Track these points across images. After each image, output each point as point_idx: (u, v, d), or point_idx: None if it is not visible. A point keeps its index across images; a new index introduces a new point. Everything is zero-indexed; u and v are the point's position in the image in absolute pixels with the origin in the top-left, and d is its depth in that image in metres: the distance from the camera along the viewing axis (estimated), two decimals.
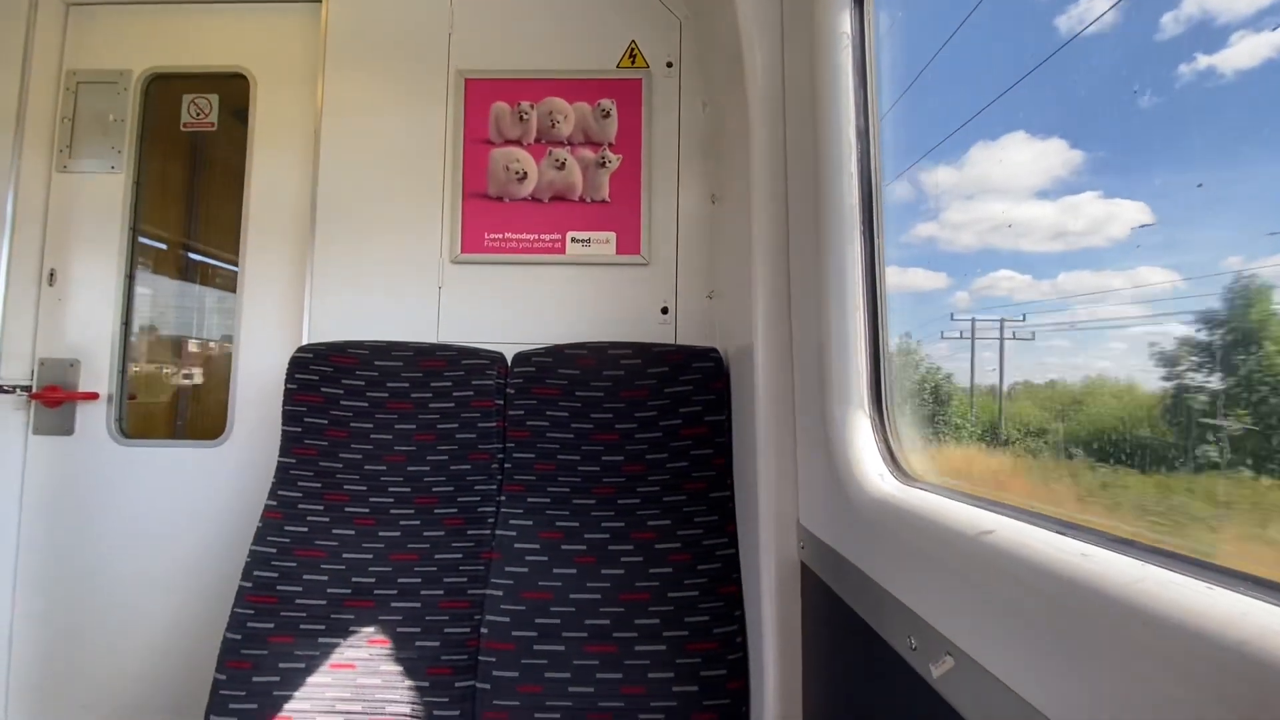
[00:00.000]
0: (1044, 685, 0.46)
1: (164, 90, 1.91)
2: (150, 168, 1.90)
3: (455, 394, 1.52)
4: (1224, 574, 0.39)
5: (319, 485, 1.48)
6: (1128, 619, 0.40)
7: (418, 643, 1.35)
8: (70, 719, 1.73)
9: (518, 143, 1.79)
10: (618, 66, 1.80)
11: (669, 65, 1.80)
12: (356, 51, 1.82)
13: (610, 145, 1.78)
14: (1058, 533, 0.52)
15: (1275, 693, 0.31)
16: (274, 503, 1.46)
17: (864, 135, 1.02)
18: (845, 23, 1.03)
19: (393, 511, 1.47)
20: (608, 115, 1.78)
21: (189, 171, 2.04)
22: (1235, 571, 0.39)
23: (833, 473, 0.95)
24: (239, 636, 1.34)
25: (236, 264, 1.84)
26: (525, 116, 1.78)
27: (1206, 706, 0.34)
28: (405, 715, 1.29)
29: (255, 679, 1.31)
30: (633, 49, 1.80)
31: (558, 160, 1.77)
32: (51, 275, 1.82)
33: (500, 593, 1.36)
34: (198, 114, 1.91)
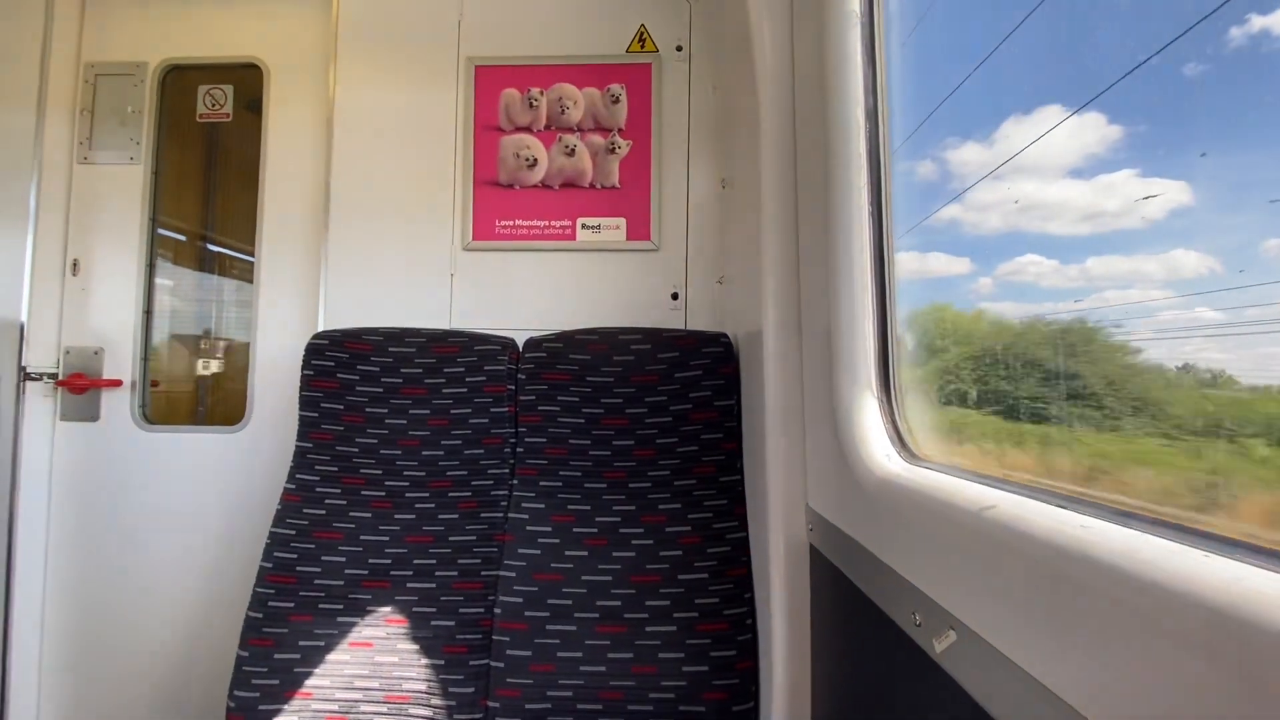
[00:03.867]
0: (1042, 655, 0.46)
1: (180, 82, 1.94)
2: (168, 159, 1.93)
3: (468, 379, 1.54)
4: (1220, 542, 0.39)
5: (336, 469, 1.51)
6: (1126, 588, 0.40)
7: (433, 622, 1.38)
8: (101, 696, 1.80)
9: (528, 129, 1.79)
10: (627, 51, 1.79)
11: (679, 49, 1.79)
12: (368, 40, 1.83)
13: (620, 131, 1.77)
14: (1058, 506, 0.52)
15: (1269, 655, 0.31)
16: (292, 486, 1.49)
17: (873, 115, 1.01)
18: (855, 1, 1.02)
19: (408, 495, 1.49)
20: (617, 100, 1.77)
21: (206, 162, 2.07)
22: (1231, 539, 0.39)
23: (841, 455, 0.95)
24: (260, 615, 1.38)
25: (253, 253, 1.87)
26: (535, 103, 1.79)
27: (1204, 671, 0.34)
28: (421, 692, 1.32)
29: (276, 656, 1.35)
30: (642, 33, 1.79)
31: (567, 147, 1.78)
32: (75, 265, 1.86)
33: (513, 574, 1.38)
34: (213, 105, 1.94)
